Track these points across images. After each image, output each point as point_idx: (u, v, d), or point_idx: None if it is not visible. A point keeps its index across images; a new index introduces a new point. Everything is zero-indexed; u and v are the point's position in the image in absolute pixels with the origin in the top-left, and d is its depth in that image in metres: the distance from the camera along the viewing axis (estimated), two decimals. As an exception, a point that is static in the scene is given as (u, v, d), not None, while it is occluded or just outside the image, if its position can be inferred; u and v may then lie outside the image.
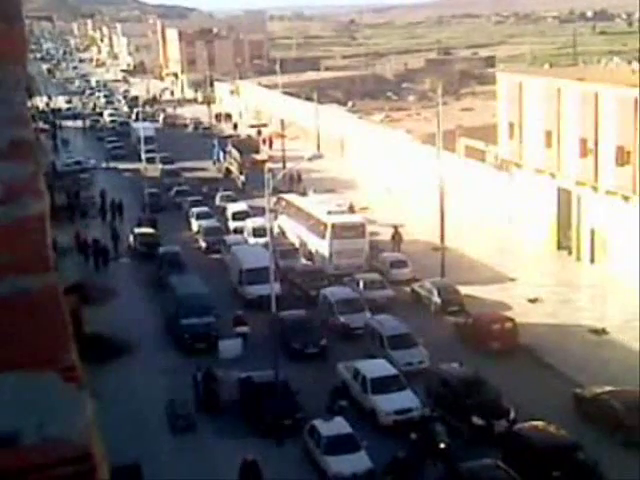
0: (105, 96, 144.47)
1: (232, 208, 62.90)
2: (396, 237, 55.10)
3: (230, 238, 55.81)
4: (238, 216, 60.70)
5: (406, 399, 33.43)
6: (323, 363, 39.09)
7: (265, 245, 49.07)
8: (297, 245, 55.18)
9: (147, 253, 55.93)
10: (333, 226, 52.51)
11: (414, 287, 48.13)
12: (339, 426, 31.62)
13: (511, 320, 41.94)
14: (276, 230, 55.08)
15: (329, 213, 54.69)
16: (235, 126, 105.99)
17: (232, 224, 60.51)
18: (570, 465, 27.29)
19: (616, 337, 41.49)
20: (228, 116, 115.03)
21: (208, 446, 32.89)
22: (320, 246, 53.30)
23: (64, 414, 2.81)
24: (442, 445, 29.88)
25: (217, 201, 68.43)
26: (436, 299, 45.90)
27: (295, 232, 56.91)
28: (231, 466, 31.22)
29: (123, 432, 32.26)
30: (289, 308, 43.34)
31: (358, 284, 47.65)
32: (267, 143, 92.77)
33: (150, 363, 40.63)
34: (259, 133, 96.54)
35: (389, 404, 33.10)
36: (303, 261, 52.28)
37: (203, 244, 58.42)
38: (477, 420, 31.61)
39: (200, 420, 34.71)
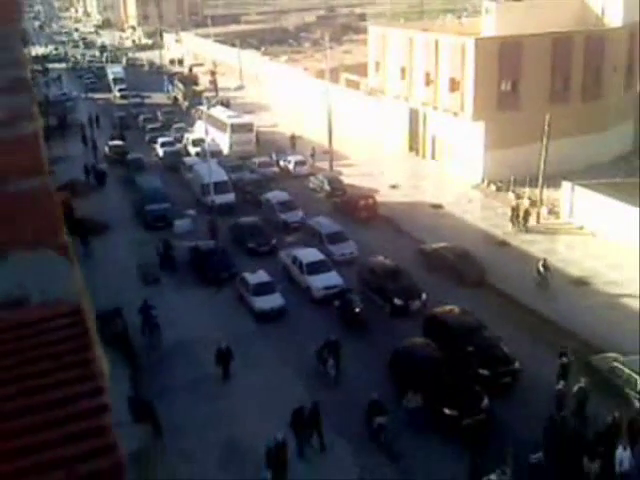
0: (84, 46, 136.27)
1: (192, 136, 57.35)
2: (293, 139, 54.06)
3: (188, 159, 51.58)
4: (196, 142, 55.61)
5: (332, 278, 31.72)
6: (273, 257, 36.25)
7: (219, 162, 47.56)
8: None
9: (119, 159, 54.00)
10: (232, 125, 54.90)
11: (311, 179, 48.07)
12: (261, 276, 31.79)
13: (372, 197, 42.38)
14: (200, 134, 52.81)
15: (229, 117, 56.45)
16: (190, 69, 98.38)
17: (192, 149, 55.46)
18: (479, 340, 25.59)
19: (449, 210, 42.50)
20: (180, 61, 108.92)
21: (169, 294, 32.94)
22: (223, 139, 55.17)
23: (60, 280, 2.76)
24: (357, 309, 28.73)
25: (173, 131, 61.63)
26: (326, 187, 45.94)
27: (207, 131, 55.16)
28: (186, 306, 31.40)
29: (108, 285, 32.03)
30: (243, 212, 41.53)
31: (255, 164, 49.84)
32: (214, 82, 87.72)
33: (125, 237, 40.03)
34: (212, 74, 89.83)
35: (320, 282, 31.55)
36: (248, 174, 48.77)
37: (163, 163, 53.84)
38: (397, 301, 30.02)
39: (162, 276, 34.66)
